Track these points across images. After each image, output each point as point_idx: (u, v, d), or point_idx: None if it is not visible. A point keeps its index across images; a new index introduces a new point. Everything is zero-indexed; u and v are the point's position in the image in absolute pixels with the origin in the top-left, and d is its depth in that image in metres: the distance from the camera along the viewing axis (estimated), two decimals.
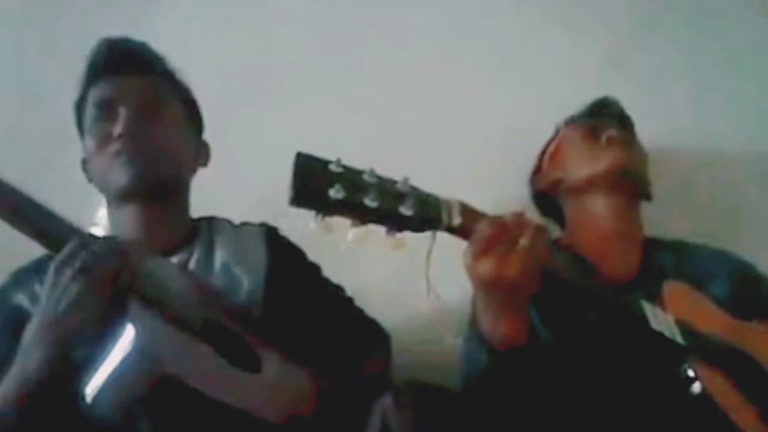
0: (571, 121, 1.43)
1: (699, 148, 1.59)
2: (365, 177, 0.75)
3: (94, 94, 1.21)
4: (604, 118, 1.38)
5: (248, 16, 1.72)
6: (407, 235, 0.78)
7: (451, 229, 0.82)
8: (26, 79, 1.70)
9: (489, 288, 0.87)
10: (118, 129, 1.15)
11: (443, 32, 1.69)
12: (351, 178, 0.74)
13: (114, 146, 1.15)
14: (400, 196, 0.76)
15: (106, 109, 1.18)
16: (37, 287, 1.08)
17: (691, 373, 1.03)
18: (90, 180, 1.24)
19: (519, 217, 0.87)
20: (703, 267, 1.30)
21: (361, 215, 0.74)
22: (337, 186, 0.71)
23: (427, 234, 0.82)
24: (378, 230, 0.76)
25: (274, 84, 1.67)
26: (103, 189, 1.21)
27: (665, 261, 1.31)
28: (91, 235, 0.99)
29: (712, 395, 1.01)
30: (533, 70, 1.65)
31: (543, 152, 1.47)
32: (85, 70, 1.23)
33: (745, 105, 1.61)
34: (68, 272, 0.91)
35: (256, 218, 1.32)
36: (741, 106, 1.61)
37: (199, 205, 1.28)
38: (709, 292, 1.20)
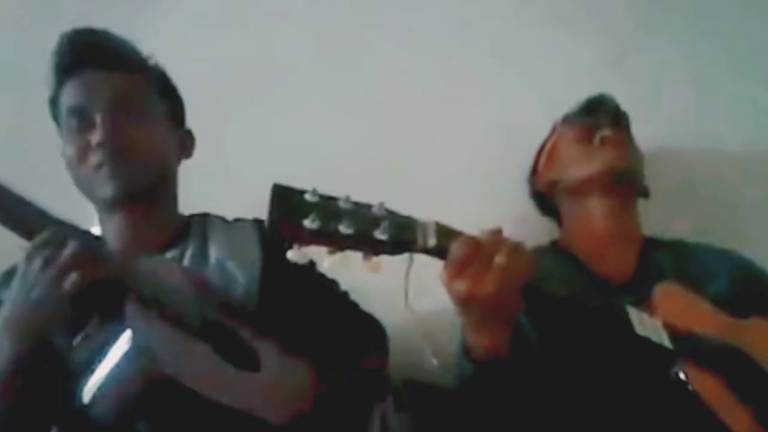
0: (567, 120, 1.42)
1: (699, 148, 1.58)
2: (340, 204, 0.76)
3: (67, 98, 1.17)
4: (599, 116, 1.37)
5: (248, 16, 1.72)
6: (385, 258, 0.80)
7: (426, 251, 0.83)
8: (25, 79, 1.70)
9: (466, 306, 0.88)
10: (96, 138, 1.12)
11: (443, 32, 1.69)
12: (326, 206, 0.75)
13: (95, 158, 1.12)
14: (374, 221, 0.77)
15: (82, 118, 1.15)
16: None
17: (681, 376, 1.03)
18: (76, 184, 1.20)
19: (495, 235, 0.88)
20: (704, 266, 1.29)
21: (337, 243, 0.75)
22: (312, 216, 0.73)
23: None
24: (354, 255, 0.77)
25: (274, 84, 1.67)
26: (88, 196, 1.19)
27: (664, 261, 1.31)
28: (69, 227, 0.98)
29: (703, 398, 1.02)
30: (533, 70, 1.65)
31: (539, 152, 1.47)
32: (52, 69, 1.19)
33: (745, 105, 1.60)
34: (38, 261, 0.91)
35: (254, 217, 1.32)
36: (741, 106, 1.59)
37: (198, 205, 1.29)
38: (709, 291, 1.20)
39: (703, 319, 1.15)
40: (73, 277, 0.90)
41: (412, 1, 1.71)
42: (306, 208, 0.73)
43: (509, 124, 1.61)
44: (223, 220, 1.30)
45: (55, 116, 1.21)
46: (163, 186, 1.23)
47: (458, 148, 1.61)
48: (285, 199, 0.73)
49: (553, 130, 1.45)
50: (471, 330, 0.94)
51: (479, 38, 1.67)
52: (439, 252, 0.84)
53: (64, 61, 1.18)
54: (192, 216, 1.28)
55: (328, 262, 0.75)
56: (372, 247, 0.78)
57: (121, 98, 1.16)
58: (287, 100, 1.66)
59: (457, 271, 0.84)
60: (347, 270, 1.25)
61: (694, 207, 1.57)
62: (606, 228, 1.32)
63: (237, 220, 1.30)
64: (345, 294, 1.32)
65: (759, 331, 1.17)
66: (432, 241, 0.82)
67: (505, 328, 0.93)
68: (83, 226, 1.04)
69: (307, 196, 0.74)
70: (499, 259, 0.85)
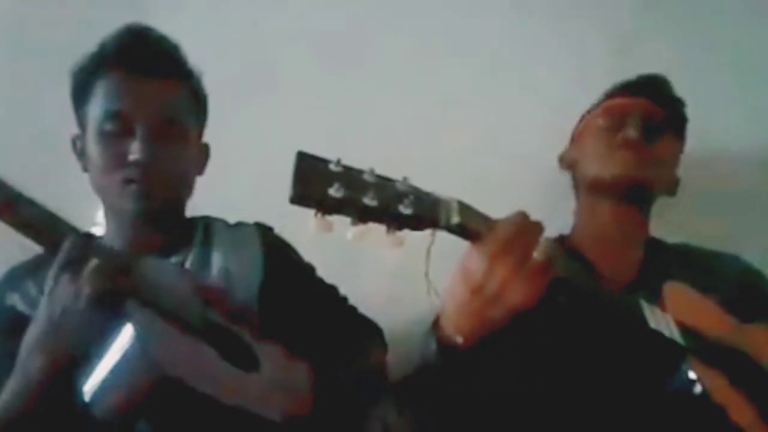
0: (611, 94, 1.35)
1: (699, 146, 1.55)
2: (365, 176, 0.75)
3: (107, 96, 1.13)
4: (633, 114, 1.28)
5: (246, 16, 1.72)
6: (407, 234, 0.78)
7: (449, 228, 0.81)
8: (24, 77, 1.69)
9: (485, 296, 0.84)
10: (134, 155, 1.08)
11: (443, 32, 1.69)
12: (351, 177, 0.74)
13: (127, 172, 1.09)
14: (399, 195, 0.76)
15: (121, 123, 1.11)
16: (31, 288, 1.09)
17: (691, 373, 1.02)
18: (84, 169, 1.19)
19: (537, 225, 0.85)
20: (709, 272, 1.28)
21: (361, 214, 0.74)
22: (337, 185, 0.71)
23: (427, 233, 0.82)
24: (377, 228, 0.76)
25: (272, 86, 1.68)
26: (103, 199, 1.18)
27: (668, 263, 1.29)
28: (89, 239, 0.99)
29: (712, 395, 1.01)
30: (534, 69, 1.65)
31: (581, 120, 1.40)
32: (97, 55, 1.15)
33: (749, 102, 1.60)
34: (67, 279, 0.91)
35: (254, 219, 1.33)
36: (744, 103, 1.60)
37: (198, 205, 1.28)
38: (712, 296, 1.19)
39: (711, 319, 1.14)
40: (91, 291, 0.90)
41: (413, 1, 1.72)
42: (331, 177, 0.72)
43: (510, 124, 1.61)
44: (225, 223, 1.30)
45: (78, 99, 1.17)
46: (182, 204, 1.23)
47: (459, 148, 1.61)
48: (309, 166, 0.72)
49: (601, 100, 1.36)
50: (458, 317, 0.88)
51: (479, 40, 1.68)
52: (462, 230, 0.82)
53: (115, 54, 1.14)
54: (195, 219, 1.27)
55: (351, 233, 0.74)
56: (396, 221, 0.76)
57: (165, 114, 1.14)
58: (285, 101, 1.66)
59: (502, 251, 0.81)
60: (344, 272, 1.30)
61: (696, 205, 1.55)
62: (613, 232, 1.30)
63: (239, 224, 1.30)
64: (344, 298, 1.33)
65: (763, 335, 1.17)
66: (455, 219, 0.80)
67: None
68: (83, 225, 1.04)
69: (332, 166, 0.73)
70: (539, 256, 0.82)
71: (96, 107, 1.13)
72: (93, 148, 1.13)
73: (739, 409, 1.02)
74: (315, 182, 0.71)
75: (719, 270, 1.30)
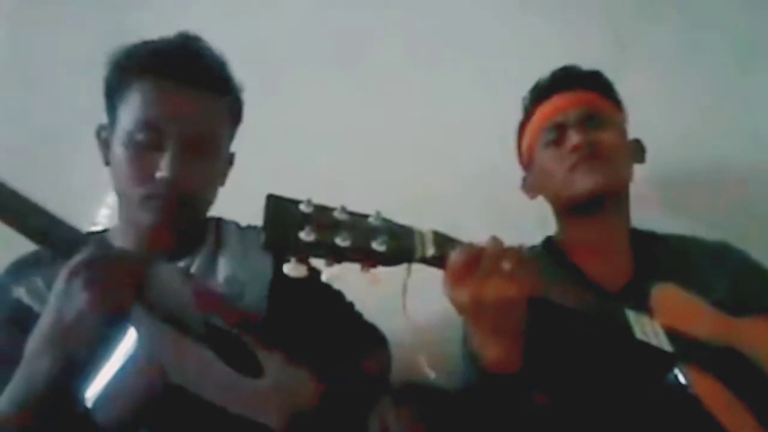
0: (535, 101, 1.35)
1: (700, 141, 1.57)
2: (336, 215, 0.74)
3: (141, 104, 1.09)
4: (568, 113, 1.28)
5: (248, 17, 1.72)
6: (382, 270, 0.78)
7: (425, 260, 0.81)
8: (29, 77, 1.68)
9: (471, 314, 0.86)
10: (161, 171, 1.06)
11: (442, 31, 1.69)
12: (322, 217, 0.73)
13: (153, 188, 1.07)
14: (372, 232, 0.75)
15: (152, 134, 1.08)
16: (37, 282, 1.07)
17: (681, 379, 1.02)
18: (105, 161, 1.16)
19: (497, 242, 0.86)
20: (703, 262, 1.27)
21: (335, 255, 0.73)
22: (308, 228, 0.71)
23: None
24: (352, 267, 0.76)
25: (280, 85, 1.67)
26: (123, 202, 1.15)
27: (660, 262, 1.28)
28: (103, 243, 0.99)
29: (703, 400, 1.01)
30: (533, 66, 1.62)
31: (519, 140, 1.40)
32: (139, 60, 1.11)
33: (748, 95, 1.58)
34: (80, 281, 0.89)
35: (257, 222, 1.31)
36: (744, 96, 1.58)
37: None
38: (708, 289, 1.18)
39: (702, 319, 1.13)
40: (116, 300, 0.90)
41: (413, 3, 1.71)
42: (301, 220, 0.71)
43: (510, 121, 1.59)
44: (236, 225, 1.28)
45: (111, 93, 1.13)
46: (201, 216, 1.22)
47: (459, 148, 1.61)
48: (280, 211, 0.71)
49: (528, 115, 1.37)
50: (478, 341, 0.90)
51: (478, 37, 1.67)
52: (438, 261, 0.82)
53: (159, 58, 1.10)
54: (207, 220, 1.25)
55: (326, 274, 0.73)
56: (371, 259, 0.76)
57: (200, 130, 1.11)
58: (291, 102, 1.66)
59: (458, 278, 0.82)
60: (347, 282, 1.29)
61: (696, 197, 1.56)
62: (597, 244, 1.29)
63: (249, 227, 1.28)
64: (351, 304, 1.32)
65: (759, 330, 1.16)
66: (430, 251, 0.80)
67: (514, 340, 0.90)
68: (84, 224, 1.05)
69: (302, 207, 0.72)
70: (506, 265, 0.83)
71: (130, 111, 1.10)
72: (120, 151, 1.10)
73: (729, 412, 1.01)
74: (286, 227, 0.71)
75: (714, 265, 1.28)
